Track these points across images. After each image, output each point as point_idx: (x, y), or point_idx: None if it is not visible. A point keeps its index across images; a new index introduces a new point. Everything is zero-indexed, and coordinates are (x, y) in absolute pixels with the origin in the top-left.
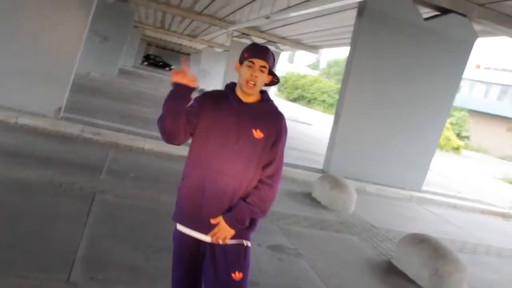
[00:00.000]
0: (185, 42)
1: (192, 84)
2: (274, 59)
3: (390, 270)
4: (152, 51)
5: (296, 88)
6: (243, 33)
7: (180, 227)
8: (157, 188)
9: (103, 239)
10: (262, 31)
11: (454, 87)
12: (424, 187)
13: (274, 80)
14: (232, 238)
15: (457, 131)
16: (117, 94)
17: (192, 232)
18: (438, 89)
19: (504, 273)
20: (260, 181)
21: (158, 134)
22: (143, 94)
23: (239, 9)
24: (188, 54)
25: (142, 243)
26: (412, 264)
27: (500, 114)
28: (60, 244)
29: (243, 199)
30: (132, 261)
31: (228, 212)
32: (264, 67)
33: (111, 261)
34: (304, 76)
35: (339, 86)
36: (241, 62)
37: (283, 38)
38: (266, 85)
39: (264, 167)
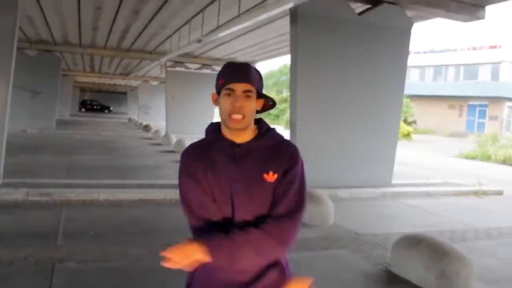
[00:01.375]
0: (119, 81)
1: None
2: (260, 76)
3: (391, 280)
4: (87, 96)
5: None
6: (176, 62)
7: None
8: (122, 242)
9: None
10: (195, 56)
11: (401, 75)
12: (393, 181)
13: (268, 103)
14: None
15: (403, 118)
16: (59, 147)
17: None
18: (386, 80)
19: (501, 255)
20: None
21: (110, 181)
22: (85, 141)
23: (167, 38)
24: (125, 93)
25: None
26: (414, 269)
27: (438, 94)
28: None
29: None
30: None
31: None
32: (249, 91)
33: None
34: None
35: (280, 96)
36: (218, 92)
37: (217, 59)
38: (258, 112)
39: (276, 204)
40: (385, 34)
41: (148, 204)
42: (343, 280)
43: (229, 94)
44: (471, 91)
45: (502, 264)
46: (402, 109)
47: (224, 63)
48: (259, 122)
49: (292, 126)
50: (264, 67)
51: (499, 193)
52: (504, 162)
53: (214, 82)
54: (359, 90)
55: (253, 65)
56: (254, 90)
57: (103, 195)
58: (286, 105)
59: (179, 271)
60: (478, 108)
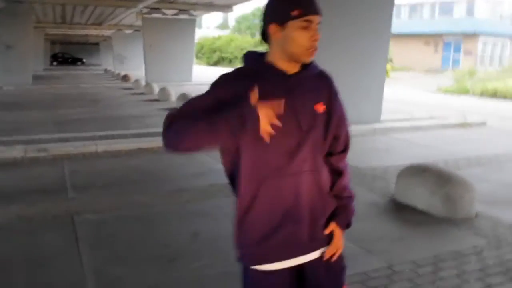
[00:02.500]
0: (91, 31)
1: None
2: None
3: (398, 208)
4: (58, 49)
5: (214, 51)
6: (152, 8)
7: (266, 267)
8: (131, 191)
9: (107, 265)
10: (172, 2)
11: (388, 12)
12: (382, 117)
13: None
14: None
15: None
16: (40, 102)
17: (287, 262)
18: (373, 19)
19: (493, 180)
20: (338, 163)
21: (105, 133)
22: (66, 95)
23: None
24: (97, 44)
25: (149, 257)
26: (419, 196)
27: (414, 31)
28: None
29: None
30: (149, 279)
31: (337, 216)
32: (319, 22)
33: (130, 285)
34: (219, 38)
35: (255, 39)
36: (282, 22)
37: (194, 4)
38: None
39: (336, 143)
40: None
41: (146, 153)
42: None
43: (306, 27)
44: (446, 27)
45: (496, 188)
46: (388, 47)
47: (202, 7)
48: None
49: None
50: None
51: (483, 123)
52: (481, 95)
53: (192, 27)
54: (346, 30)
55: (230, 9)
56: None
57: (101, 146)
58: (261, 48)
59: (189, 217)
60: (453, 44)
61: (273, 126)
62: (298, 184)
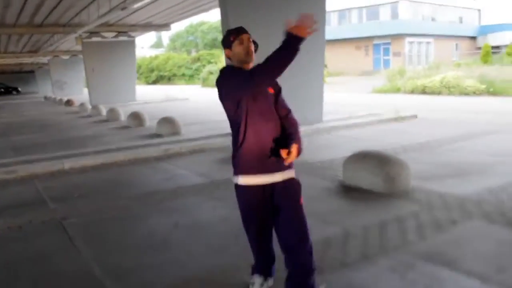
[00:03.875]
0: (26, 59)
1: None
2: None
3: (347, 190)
4: None
5: (152, 71)
6: (91, 32)
7: (247, 180)
8: (108, 198)
9: (104, 254)
10: (111, 25)
11: (321, 18)
12: (324, 118)
13: (255, 47)
14: (290, 168)
15: None
16: None
17: (260, 178)
18: None
19: (426, 161)
20: (289, 120)
21: (67, 152)
22: (13, 124)
23: (83, 9)
24: (32, 72)
25: (139, 245)
26: (364, 177)
27: (345, 36)
28: (75, 273)
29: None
30: (146, 260)
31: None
32: (250, 38)
33: (130, 267)
34: (156, 57)
35: (192, 56)
36: (229, 46)
37: (133, 25)
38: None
39: (283, 112)
40: None
41: (112, 167)
42: (311, 195)
43: (241, 43)
44: (374, 31)
45: (428, 168)
46: (324, 52)
47: (140, 28)
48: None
49: None
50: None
51: (414, 116)
52: (412, 92)
53: (132, 48)
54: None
55: (168, 27)
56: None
57: (67, 164)
58: (199, 64)
59: (166, 213)
60: (382, 47)
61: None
62: (264, 128)
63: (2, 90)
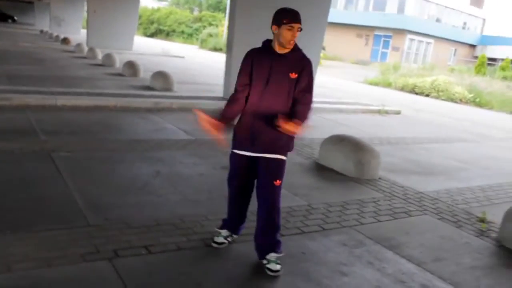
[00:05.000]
0: None
1: (217, 132)
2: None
3: (320, 168)
4: None
5: (152, 23)
6: None
7: (237, 151)
8: (96, 138)
9: (88, 187)
10: None
11: (325, 6)
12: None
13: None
14: (275, 153)
15: None
16: None
17: (247, 152)
18: (312, 4)
19: (398, 156)
20: (300, 105)
21: (61, 89)
22: (8, 52)
23: None
24: (31, 2)
25: (122, 185)
26: (337, 160)
27: (348, 22)
28: (59, 200)
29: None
30: (125, 199)
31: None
32: (299, 28)
33: (109, 203)
34: (158, 10)
35: (194, 15)
36: (278, 24)
37: None
38: None
39: (299, 96)
40: None
41: (104, 110)
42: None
43: (290, 30)
44: (378, 22)
45: (398, 161)
46: (324, 34)
47: None
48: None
49: (229, 43)
50: None
51: (398, 112)
52: (402, 89)
53: None
54: None
55: None
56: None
57: (60, 100)
58: (199, 24)
59: (149, 161)
60: (383, 39)
61: (257, 78)
62: (265, 114)
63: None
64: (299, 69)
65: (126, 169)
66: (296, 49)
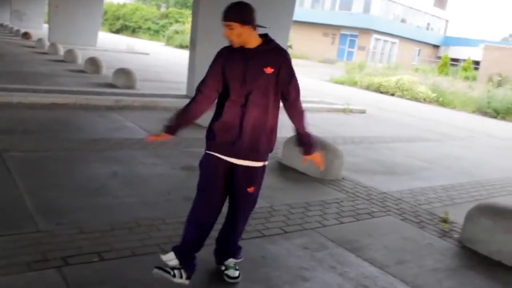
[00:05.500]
0: None
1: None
2: (238, 14)
3: (283, 168)
4: None
5: (118, 19)
6: None
7: (216, 154)
8: (52, 137)
9: (40, 190)
10: None
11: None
12: None
13: (256, 25)
14: (258, 161)
15: None
16: None
17: (227, 158)
18: (276, 3)
19: (361, 155)
20: (294, 109)
21: (17, 86)
22: None
23: None
24: None
25: (76, 187)
26: (299, 160)
27: (315, 21)
28: (7, 203)
29: (296, 129)
30: (79, 202)
31: (307, 150)
32: (230, 25)
33: (62, 207)
34: (124, 5)
35: (161, 11)
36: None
37: None
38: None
39: (289, 96)
40: None
41: (62, 108)
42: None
43: (224, 28)
44: (344, 21)
45: (361, 161)
46: (289, 32)
47: None
48: (265, 35)
49: (192, 41)
50: None
51: (363, 111)
52: (367, 88)
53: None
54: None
55: None
56: (233, 24)
57: (16, 98)
58: (166, 21)
59: (107, 161)
60: (349, 38)
61: (233, 77)
62: (245, 114)
63: None
64: (274, 64)
65: (83, 170)
66: (267, 41)
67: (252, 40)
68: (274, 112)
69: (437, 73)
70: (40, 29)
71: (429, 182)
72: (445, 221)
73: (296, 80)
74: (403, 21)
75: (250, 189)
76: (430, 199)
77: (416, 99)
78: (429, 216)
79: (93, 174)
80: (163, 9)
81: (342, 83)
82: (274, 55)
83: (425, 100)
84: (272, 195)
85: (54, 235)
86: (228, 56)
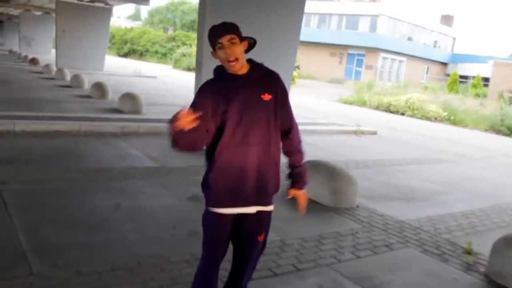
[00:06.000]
0: None
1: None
2: (236, 27)
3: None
4: None
5: (125, 43)
6: None
7: (220, 210)
8: (55, 167)
9: (37, 226)
10: None
11: (298, 19)
12: None
13: (250, 42)
14: (268, 204)
15: None
16: None
17: (234, 209)
18: (283, 23)
19: (376, 180)
20: (292, 140)
21: (20, 113)
22: None
23: None
24: (1, 22)
25: (76, 221)
26: (312, 187)
27: (321, 41)
28: (1, 246)
29: (292, 163)
30: (78, 239)
31: (297, 183)
32: (233, 38)
33: (59, 245)
34: (131, 29)
35: (168, 34)
36: (214, 49)
37: None
38: (247, 50)
39: (286, 126)
40: None
41: (65, 135)
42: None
43: (220, 48)
44: (351, 40)
45: (376, 186)
46: (296, 54)
47: None
48: (249, 60)
49: (198, 63)
50: (151, 3)
51: (374, 133)
52: (377, 107)
53: (107, 16)
54: (256, 34)
55: (147, 2)
56: (236, 37)
57: (18, 126)
58: (173, 44)
59: (110, 192)
60: (356, 57)
61: (230, 113)
62: (247, 153)
63: None
64: (271, 90)
65: (83, 202)
66: (255, 64)
67: (244, 63)
68: (276, 142)
69: (447, 91)
70: (49, 54)
71: (447, 208)
72: (469, 252)
73: (290, 106)
74: (409, 39)
75: (261, 237)
76: (451, 227)
77: (427, 118)
78: (451, 247)
79: (95, 207)
80: (170, 32)
81: (351, 103)
82: (269, 80)
83: (436, 119)
84: (282, 227)
85: (48, 278)
86: (216, 90)
